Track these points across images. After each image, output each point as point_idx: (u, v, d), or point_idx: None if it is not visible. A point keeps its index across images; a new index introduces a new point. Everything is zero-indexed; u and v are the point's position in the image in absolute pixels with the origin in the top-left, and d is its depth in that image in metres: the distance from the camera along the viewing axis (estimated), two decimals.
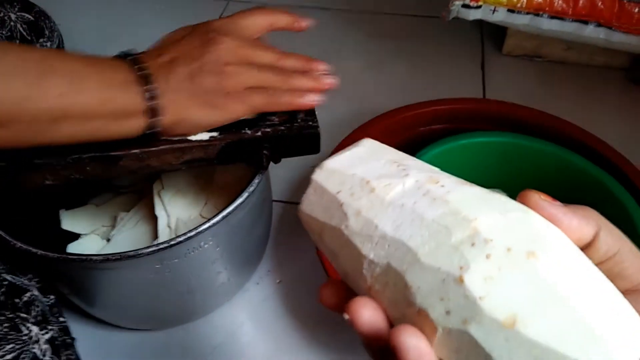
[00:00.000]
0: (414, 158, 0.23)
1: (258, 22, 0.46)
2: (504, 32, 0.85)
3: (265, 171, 0.48)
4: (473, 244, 0.18)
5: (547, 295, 0.17)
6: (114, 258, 0.41)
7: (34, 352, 0.45)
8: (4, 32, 0.74)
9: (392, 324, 0.20)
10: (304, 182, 0.70)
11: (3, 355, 0.43)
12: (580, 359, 0.16)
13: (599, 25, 0.74)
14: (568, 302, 0.17)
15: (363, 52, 0.90)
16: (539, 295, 0.17)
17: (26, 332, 0.46)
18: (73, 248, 0.57)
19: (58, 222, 0.58)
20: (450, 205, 0.19)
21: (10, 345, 0.43)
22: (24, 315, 0.47)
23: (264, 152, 0.45)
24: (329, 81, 0.45)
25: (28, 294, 0.49)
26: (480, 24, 0.88)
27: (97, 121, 0.38)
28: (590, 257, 0.19)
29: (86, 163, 0.42)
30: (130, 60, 0.40)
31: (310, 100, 0.44)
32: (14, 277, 0.49)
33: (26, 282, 0.50)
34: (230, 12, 0.97)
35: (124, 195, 0.62)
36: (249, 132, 0.44)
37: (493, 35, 0.90)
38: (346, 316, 0.20)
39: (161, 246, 0.42)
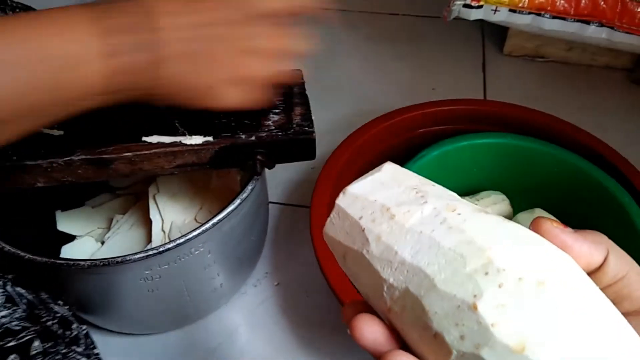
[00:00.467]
0: (433, 183, 0.24)
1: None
2: (505, 32, 0.85)
3: (259, 177, 0.47)
4: (487, 273, 0.19)
5: (555, 323, 0.18)
6: (101, 264, 0.41)
7: None
8: None
9: (405, 342, 0.21)
10: (302, 183, 0.70)
11: None
12: None
13: (601, 25, 0.74)
14: (574, 329, 0.18)
15: (362, 52, 0.89)
16: (547, 323, 0.18)
17: None
18: (67, 250, 0.56)
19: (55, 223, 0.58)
20: (466, 234, 0.20)
21: None
22: (79, 350, 0.47)
23: (258, 157, 0.44)
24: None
25: (74, 326, 0.49)
26: (481, 24, 0.88)
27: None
28: (599, 280, 0.21)
29: (77, 166, 0.41)
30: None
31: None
32: (59, 307, 0.49)
33: (66, 311, 0.50)
34: None
35: (120, 197, 0.62)
36: (243, 136, 0.44)
37: (494, 35, 0.89)
38: (349, 332, 0.22)
39: (150, 253, 0.41)
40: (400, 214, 0.22)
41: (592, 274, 0.21)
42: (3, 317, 0.43)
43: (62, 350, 0.45)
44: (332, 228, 0.24)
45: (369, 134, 0.60)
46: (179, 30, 0.36)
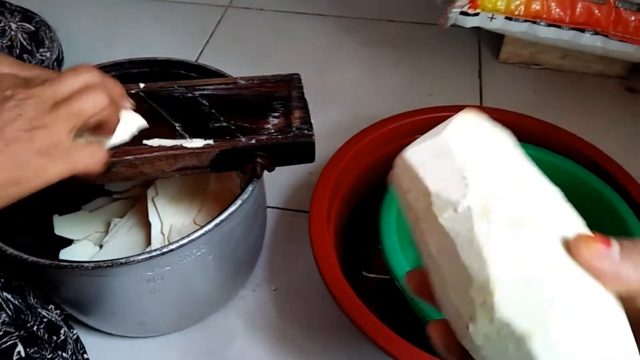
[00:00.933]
0: (491, 161, 0.23)
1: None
2: (501, 39, 0.85)
3: (259, 179, 0.47)
4: (484, 303, 0.20)
5: None
6: (105, 265, 0.41)
7: None
8: (4, 42, 0.74)
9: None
10: (300, 188, 0.70)
11: None
12: None
13: (596, 33, 0.75)
14: None
15: (359, 58, 0.90)
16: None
17: None
18: (65, 254, 0.56)
19: (52, 227, 0.57)
20: (481, 261, 0.20)
21: None
22: (65, 355, 0.47)
23: (258, 160, 0.44)
24: None
25: (62, 331, 0.49)
26: (477, 31, 0.89)
27: None
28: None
29: None
30: None
31: None
32: (48, 312, 0.49)
33: (56, 316, 0.50)
34: (229, 18, 0.98)
35: (118, 201, 0.62)
36: (243, 139, 0.44)
37: (490, 42, 0.90)
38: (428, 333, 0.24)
39: (153, 254, 0.42)
40: (437, 205, 0.22)
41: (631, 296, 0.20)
42: None
43: (47, 355, 0.45)
44: (397, 172, 0.25)
45: (367, 139, 0.60)
46: None
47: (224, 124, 0.45)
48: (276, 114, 0.47)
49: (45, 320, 0.49)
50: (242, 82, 0.50)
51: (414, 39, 0.93)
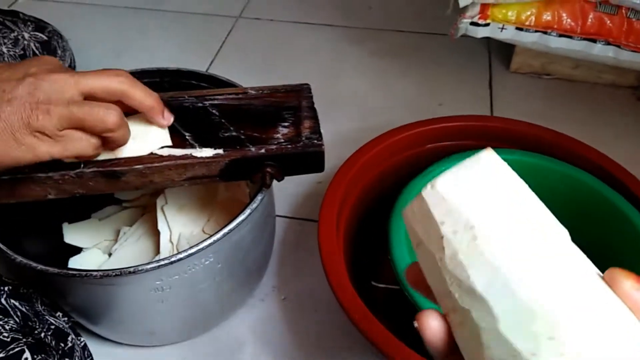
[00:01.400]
0: (530, 195, 0.22)
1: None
2: (512, 49, 0.85)
3: (268, 189, 0.47)
4: (551, 338, 0.19)
5: None
6: (114, 274, 0.41)
7: None
8: (17, 51, 0.75)
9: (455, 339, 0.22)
10: (309, 197, 0.70)
11: None
12: None
13: (608, 43, 0.74)
14: None
15: (369, 68, 0.90)
16: None
17: None
18: (74, 262, 0.56)
19: (61, 235, 0.58)
20: (541, 293, 0.19)
21: None
22: None
23: (268, 169, 0.44)
24: None
25: (70, 338, 0.49)
26: (487, 41, 0.88)
27: None
28: None
29: (89, 178, 0.42)
30: None
31: None
32: (55, 319, 0.50)
33: (63, 323, 0.50)
34: (239, 29, 0.98)
35: (127, 210, 0.62)
36: (252, 149, 0.44)
37: (500, 52, 0.90)
38: (415, 324, 0.23)
39: (161, 262, 0.42)
40: (482, 237, 0.21)
41: None
42: None
43: None
44: (412, 216, 0.23)
45: (377, 149, 0.60)
46: None
47: (234, 133, 0.45)
48: (286, 124, 0.47)
49: (52, 327, 0.49)
50: (252, 92, 0.50)
51: (422, 49, 0.93)
